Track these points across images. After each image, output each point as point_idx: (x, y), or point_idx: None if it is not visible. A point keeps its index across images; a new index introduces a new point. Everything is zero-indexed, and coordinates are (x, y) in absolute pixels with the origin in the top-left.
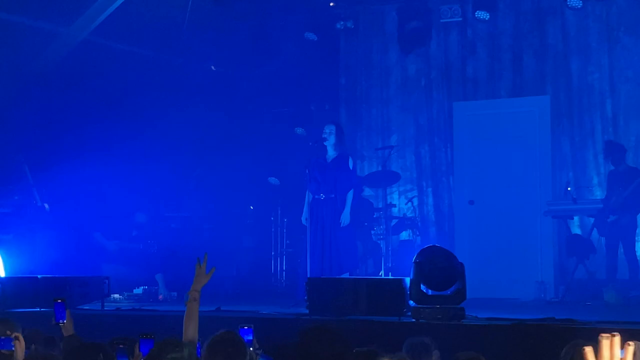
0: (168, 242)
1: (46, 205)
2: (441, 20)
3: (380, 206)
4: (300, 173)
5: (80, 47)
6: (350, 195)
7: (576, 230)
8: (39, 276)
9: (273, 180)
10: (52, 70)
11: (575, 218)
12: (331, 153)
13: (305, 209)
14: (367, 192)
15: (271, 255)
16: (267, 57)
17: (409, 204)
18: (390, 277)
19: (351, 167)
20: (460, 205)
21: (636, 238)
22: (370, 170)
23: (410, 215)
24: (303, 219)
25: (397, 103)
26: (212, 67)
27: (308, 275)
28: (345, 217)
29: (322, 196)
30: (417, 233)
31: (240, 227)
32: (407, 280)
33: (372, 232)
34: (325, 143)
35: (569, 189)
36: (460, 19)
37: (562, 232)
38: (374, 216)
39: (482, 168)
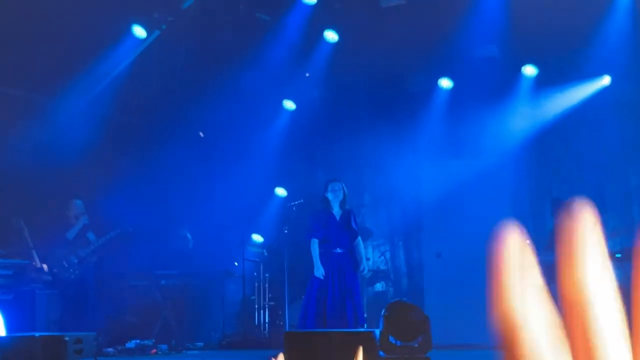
0: (158, 297)
1: (45, 266)
2: (409, 90)
3: None
4: (279, 231)
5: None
6: (362, 247)
7: None
8: (36, 334)
9: (256, 237)
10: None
11: None
12: (337, 210)
13: (318, 261)
14: None
15: (254, 308)
16: (249, 122)
17: (382, 257)
18: (362, 329)
19: (359, 222)
20: (429, 257)
21: None
22: None
23: (384, 267)
24: (319, 273)
25: (369, 165)
26: (200, 134)
27: (305, 326)
28: (364, 269)
29: (338, 250)
30: (390, 284)
31: (226, 282)
32: (378, 332)
33: None
34: (329, 196)
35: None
36: (425, 87)
37: None
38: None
39: (448, 223)
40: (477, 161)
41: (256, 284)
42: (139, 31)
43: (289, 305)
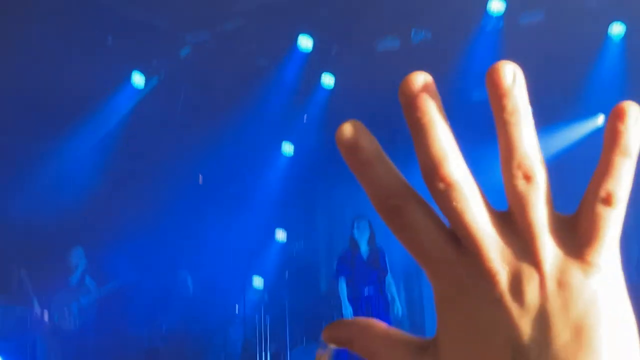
0: (159, 343)
1: (45, 315)
2: (405, 132)
3: None
4: (280, 275)
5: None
6: (394, 286)
7: None
8: None
9: (256, 281)
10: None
11: None
12: (364, 248)
13: (345, 301)
14: None
15: (256, 353)
16: (248, 167)
17: None
18: None
19: (387, 262)
20: (430, 298)
21: None
22: None
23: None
24: (348, 313)
25: (369, 207)
26: (199, 179)
27: None
28: (398, 309)
29: (365, 290)
30: (392, 326)
31: (227, 327)
32: None
33: None
34: (356, 234)
35: None
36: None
37: None
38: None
39: None
40: None
41: (257, 328)
42: (138, 79)
43: (290, 351)
